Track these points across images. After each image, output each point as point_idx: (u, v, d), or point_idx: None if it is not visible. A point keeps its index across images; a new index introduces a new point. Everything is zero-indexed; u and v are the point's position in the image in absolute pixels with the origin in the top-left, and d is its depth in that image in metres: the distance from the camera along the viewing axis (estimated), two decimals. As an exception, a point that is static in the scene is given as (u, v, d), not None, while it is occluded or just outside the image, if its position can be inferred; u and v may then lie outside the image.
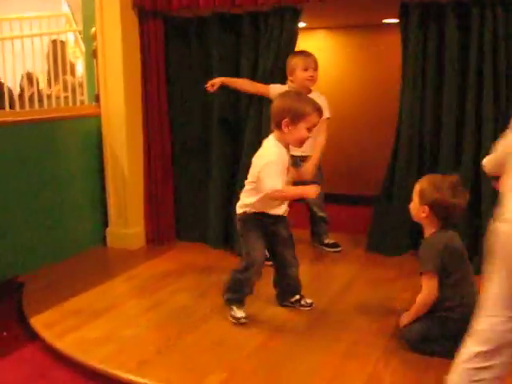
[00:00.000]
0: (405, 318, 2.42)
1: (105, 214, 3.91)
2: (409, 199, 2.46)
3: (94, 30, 3.82)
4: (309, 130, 2.51)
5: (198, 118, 3.86)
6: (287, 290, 2.82)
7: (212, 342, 2.50)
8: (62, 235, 3.68)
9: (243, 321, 2.61)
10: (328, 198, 3.70)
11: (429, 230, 2.39)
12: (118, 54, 3.67)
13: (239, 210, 2.65)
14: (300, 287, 2.82)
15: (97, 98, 3.88)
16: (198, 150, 3.89)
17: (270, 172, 2.45)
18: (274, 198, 2.52)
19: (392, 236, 3.54)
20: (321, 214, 3.70)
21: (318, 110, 2.51)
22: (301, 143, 2.56)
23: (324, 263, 3.53)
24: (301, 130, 2.48)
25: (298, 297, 2.81)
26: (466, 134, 3.25)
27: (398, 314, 2.58)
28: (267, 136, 2.62)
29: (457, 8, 3.19)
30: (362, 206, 4.31)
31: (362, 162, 4.86)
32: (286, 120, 2.49)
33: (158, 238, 3.94)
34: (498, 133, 3.06)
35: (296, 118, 2.48)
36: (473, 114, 3.21)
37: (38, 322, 2.73)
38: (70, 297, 2.99)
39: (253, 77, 3.56)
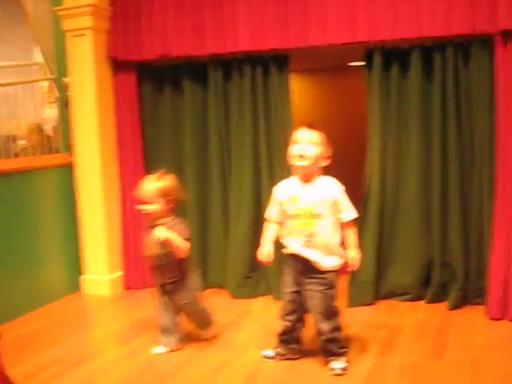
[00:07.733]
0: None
1: (79, 261, 3.91)
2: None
3: (67, 79, 3.85)
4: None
5: (174, 166, 3.80)
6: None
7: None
8: (37, 284, 3.65)
9: (265, 359, 2.71)
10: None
11: None
12: (91, 104, 3.72)
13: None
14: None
15: (70, 147, 3.89)
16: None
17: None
18: None
19: None
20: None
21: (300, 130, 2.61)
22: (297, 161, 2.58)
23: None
24: (291, 150, 2.59)
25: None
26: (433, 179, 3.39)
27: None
28: None
29: (419, 51, 3.32)
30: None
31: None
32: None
33: (136, 283, 3.91)
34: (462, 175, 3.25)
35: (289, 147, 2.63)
36: (438, 153, 3.34)
37: (17, 373, 2.60)
38: (48, 346, 2.98)
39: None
